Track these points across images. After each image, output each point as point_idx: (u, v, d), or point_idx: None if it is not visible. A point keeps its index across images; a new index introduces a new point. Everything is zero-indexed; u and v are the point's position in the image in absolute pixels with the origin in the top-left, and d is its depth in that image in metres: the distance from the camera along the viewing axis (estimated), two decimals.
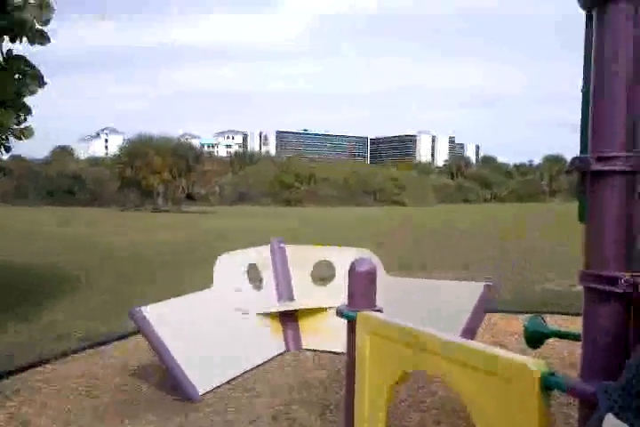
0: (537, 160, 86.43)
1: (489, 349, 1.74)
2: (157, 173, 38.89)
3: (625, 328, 1.65)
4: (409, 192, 57.59)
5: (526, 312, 4.90)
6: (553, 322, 5.18)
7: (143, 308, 3.89)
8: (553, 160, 76.83)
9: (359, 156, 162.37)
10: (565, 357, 4.49)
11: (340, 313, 2.45)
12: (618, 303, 1.64)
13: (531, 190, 69.29)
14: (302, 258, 5.31)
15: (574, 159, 1.77)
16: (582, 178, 1.79)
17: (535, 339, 2.63)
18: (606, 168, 1.64)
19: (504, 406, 1.58)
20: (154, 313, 3.91)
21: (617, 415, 1.16)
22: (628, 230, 1.66)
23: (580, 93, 1.84)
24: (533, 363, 1.53)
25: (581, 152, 1.80)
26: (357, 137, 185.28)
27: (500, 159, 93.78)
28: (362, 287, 2.43)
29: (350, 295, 2.44)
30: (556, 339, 2.65)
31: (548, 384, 1.49)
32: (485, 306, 4.32)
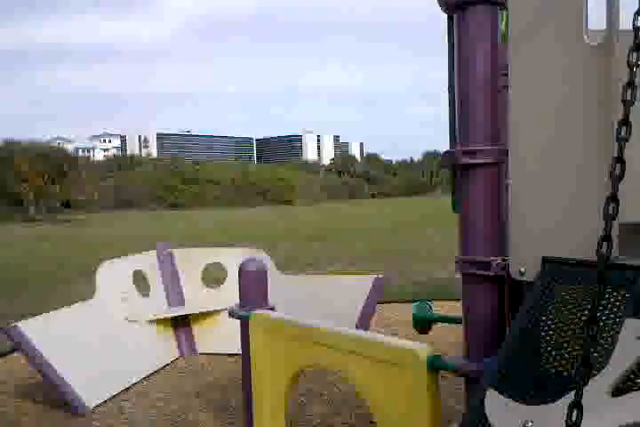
0: (417, 156, 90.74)
1: (379, 338, 1.80)
2: (26, 181, 36.19)
3: (500, 308, 1.78)
4: (298, 191, 58.16)
5: (415, 301, 5.12)
6: (440, 308, 5.47)
7: (19, 323, 3.63)
8: (432, 156, 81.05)
9: (245, 157, 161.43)
10: (453, 339, 4.74)
11: (232, 314, 2.43)
12: (491, 286, 1.76)
13: (414, 185, 72.63)
14: (191, 261, 5.20)
15: (445, 154, 1.88)
16: (453, 171, 1.90)
17: (423, 325, 2.76)
18: (472, 161, 1.75)
19: (397, 390, 1.64)
20: (32, 328, 3.66)
21: (496, 389, 1.25)
22: (497, 218, 1.79)
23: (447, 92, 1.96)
24: (420, 348, 1.61)
25: (451, 147, 1.91)
26: (242, 138, 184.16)
27: (384, 157, 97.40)
28: (253, 287, 2.43)
29: (242, 295, 2.43)
30: (445, 324, 2.79)
31: (435, 366, 1.58)
32: (376, 297, 4.47)
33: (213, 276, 5.57)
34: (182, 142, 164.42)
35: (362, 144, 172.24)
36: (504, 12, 1.77)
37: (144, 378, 4.31)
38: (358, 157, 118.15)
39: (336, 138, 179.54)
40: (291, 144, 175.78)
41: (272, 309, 2.42)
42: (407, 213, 27.88)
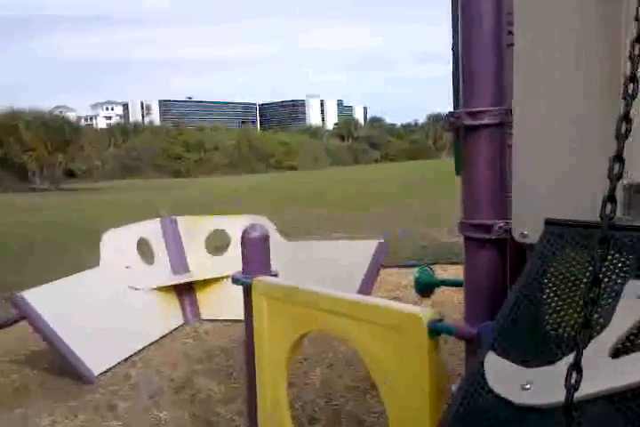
0: (422, 119, 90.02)
1: (381, 302, 1.79)
2: (31, 150, 36.15)
3: (502, 272, 1.76)
4: (302, 156, 57.89)
5: (418, 265, 5.12)
6: (443, 272, 5.50)
7: (25, 293, 3.66)
8: (436, 119, 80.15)
9: (248, 122, 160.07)
10: (455, 302, 4.77)
11: (235, 280, 2.42)
12: (494, 249, 1.74)
13: (418, 149, 72.12)
14: (195, 229, 5.22)
15: (448, 115, 1.83)
16: (456, 133, 1.86)
17: (425, 289, 2.75)
18: (476, 122, 1.71)
19: (398, 354, 1.65)
20: (37, 297, 3.70)
21: (495, 352, 1.24)
22: (500, 181, 1.75)
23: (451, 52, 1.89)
24: (422, 311, 1.60)
25: (454, 108, 1.86)
26: (245, 103, 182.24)
27: (388, 120, 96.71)
28: (255, 253, 2.42)
29: (245, 262, 2.42)
30: (448, 288, 2.79)
31: (436, 330, 1.57)
32: (379, 262, 4.48)
33: (217, 243, 5.58)
34: (184, 109, 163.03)
35: (365, 108, 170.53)
36: None
37: (149, 345, 4.37)
38: (362, 120, 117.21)
39: (339, 102, 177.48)
40: (294, 109, 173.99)
41: (275, 275, 2.41)
42: (411, 177, 27.76)
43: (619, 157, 1.04)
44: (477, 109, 1.71)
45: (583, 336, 0.96)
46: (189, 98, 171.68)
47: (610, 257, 1.22)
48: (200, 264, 5.15)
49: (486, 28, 1.69)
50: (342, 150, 68.16)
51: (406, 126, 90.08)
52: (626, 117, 1.04)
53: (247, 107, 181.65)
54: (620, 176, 1.06)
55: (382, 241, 4.52)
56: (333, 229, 10.03)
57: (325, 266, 4.43)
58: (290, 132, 75.81)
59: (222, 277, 4.93)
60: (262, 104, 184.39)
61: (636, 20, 1.08)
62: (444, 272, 5.37)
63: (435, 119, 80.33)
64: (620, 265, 1.22)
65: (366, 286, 4.30)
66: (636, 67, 1.03)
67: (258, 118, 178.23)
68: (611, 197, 1.05)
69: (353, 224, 10.71)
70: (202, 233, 5.24)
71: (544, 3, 1.44)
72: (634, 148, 1.11)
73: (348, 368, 3.67)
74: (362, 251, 4.48)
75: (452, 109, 1.87)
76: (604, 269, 1.20)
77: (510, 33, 1.64)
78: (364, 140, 74.18)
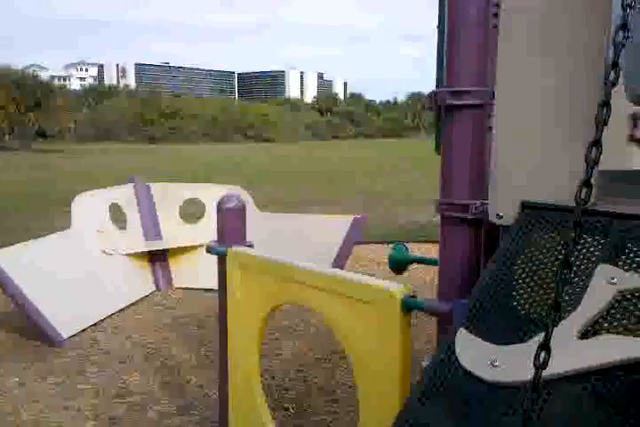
0: (401, 97, 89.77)
1: (356, 277, 1.81)
2: (1, 109, 35.10)
3: (476, 252, 1.79)
4: (280, 129, 57.37)
5: (393, 242, 5.17)
6: (416, 250, 5.56)
7: None
8: (416, 97, 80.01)
9: (226, 91, 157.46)
10: (428, 280, 4.85)
11: (209, 249, 2.42)
12: (470, 229, 1.76)
13: (396, 126, 72.02)
14: (169, 196, 5.16)
15: (430, 94, 1.83)
16: (438, 112, 1.87)
17: (399, 266, 2.79)
18: (458, 102, 1.71)
19: (371, 328, 1.67)
20: (5, 258, 3.63)
21: (467, 329, 1.27)
22: (479, 161, 1.77)
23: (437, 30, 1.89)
24: (395, 287, 1.62)
25: (437, 87, 1.86)
26: (224, 71, 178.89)
27: (367, 96, 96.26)
28: (231, 223, 2.41)
29: (220, 232, 2.41)
30: (421, 266, 2.83)
31: (409, 305, 1.60)
32: (354, 238, 4.51)
33: (191, 211, 5.54)
34: (161, 74, 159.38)
35: (345, 83, 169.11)
36: None
37: (119, 311, 4.35)
38: (342, 95, 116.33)
39: (320, 75, 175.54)
40: (274, 80, 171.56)
41: (250, 246, 2.41)
42: (390, 154, 27.79)
43: (596, 143, 1.05)
44: (460, 89, 1.71)
45: (553, 317, 0.99)
46: (166, 63, 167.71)
47: (582, 241, 1.25)
48: (173, 232, 5.12)
49: (472, 9, 1.68)
50: (321, 125, 67.67)
51: (385, 104, 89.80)
52: (606, 103, 1.05)
53: (225, 75, 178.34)
54: (596, 161, 1.07)
55: (358, 216, 4.54)
56: (311, 204, 10.03)
57: (300, 239, 4.44)
58: (269, 104, 74.85)
59: (196, 246, 4.91)
60: (241, 73, 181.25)
61: (622, 7, 1.09)
62: (417, 251, 5.43)
63: (415, 98, 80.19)
64: (592, 249, 1.24)
65: (340, 261, 4.33)
66: (618, 53, 1.03)
67: (236, 88, 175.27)
68: (586, 182, 1.07)
69: (331, 199, 10.71)
70: (176, 201, 5.20)
71: None
72: (611, 134, 1.12)
73: (319, 341, 3.71)
74: (337, 225, 4.50)
75: (433, 89, 1.87)
76: (575, 253, 1.22)
77: (496, 15, 1.63)
78: (344, 116, 73.71)
